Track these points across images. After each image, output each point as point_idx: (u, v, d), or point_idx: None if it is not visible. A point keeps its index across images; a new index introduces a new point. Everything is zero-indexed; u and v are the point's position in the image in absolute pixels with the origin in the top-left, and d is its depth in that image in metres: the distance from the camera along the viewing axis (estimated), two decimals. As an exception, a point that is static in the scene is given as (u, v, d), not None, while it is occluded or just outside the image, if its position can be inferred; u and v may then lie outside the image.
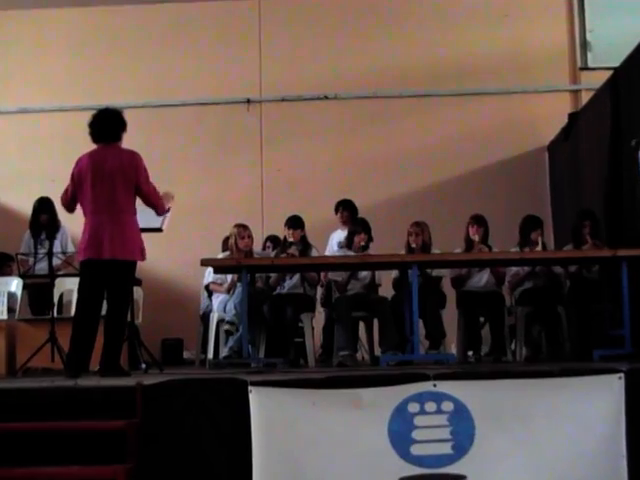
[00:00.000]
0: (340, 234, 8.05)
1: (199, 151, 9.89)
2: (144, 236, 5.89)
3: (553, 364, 5.45)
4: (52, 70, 10.03)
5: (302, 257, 6.98)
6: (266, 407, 4.17)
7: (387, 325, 6.72)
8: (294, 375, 4.88)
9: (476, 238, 7.05)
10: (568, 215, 8.37)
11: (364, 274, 7.11)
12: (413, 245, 7.11)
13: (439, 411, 4.17)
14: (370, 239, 7.18)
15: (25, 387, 4.54)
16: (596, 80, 8.36)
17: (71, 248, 7.44)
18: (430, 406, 4.18)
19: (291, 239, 7.17)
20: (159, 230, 6.54)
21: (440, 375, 4.29)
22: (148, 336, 7.35)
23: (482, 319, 7.19)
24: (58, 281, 7.00)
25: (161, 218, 6.50)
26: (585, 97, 9.22)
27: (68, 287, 7.28)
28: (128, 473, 4.07)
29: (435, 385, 4.21)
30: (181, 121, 9.96)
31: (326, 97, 9.96)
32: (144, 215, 5.94)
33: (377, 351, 6.96)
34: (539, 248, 6.97)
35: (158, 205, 5.84)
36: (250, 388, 4.20)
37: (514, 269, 7.10)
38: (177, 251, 9.32)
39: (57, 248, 7.25)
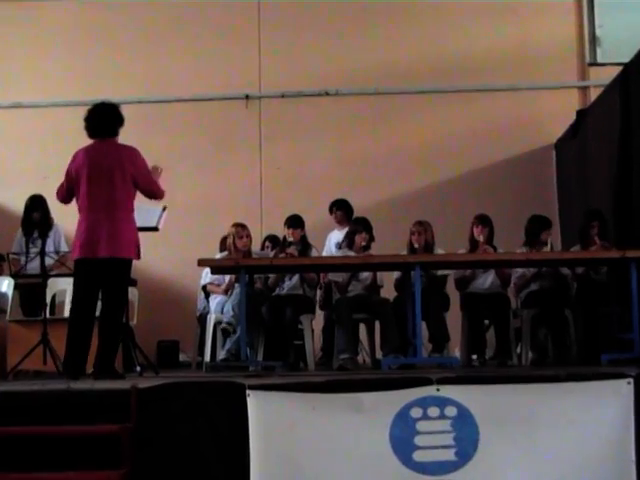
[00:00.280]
0: (337, 234, 8.06)
1: (196, 148, 9.88)
2: (140, 235, 5.89)
3: (560, 368, 5.44)
4: (46, 64, 10.03)
5: (302, 257, 6.98)
6: (264, 412, 4.17)
7: (389, 327, 6.72)
8: (293, 379, 4.87)
9: (481, 238, 7.05)
10: (575, 215, 8.36)
11: (365, 275, 7.10)
12: (416, 245, 7.11)
13: (442, 416, 4.17)
14: (372, 239, 7.18)
15: (16, 390, 4.53)
16: (605, 76, 8.37)
17: (64, 247, 7.44)
18: (433, 411, 4.18)
19: (291, 239, 7.17)
20: (155, 229, 6.55)
21: (443, 379, 4.29)
22: (143, 338, 7.35)
23: (487, 322, 7.19)
24: (51, 281, 6.98)
25: (157, 217, 6.51)
26: (594, 93, 9.22)
27: (61, 287, 7.28)
28: (122, 478, 4.07)
29: (438, 390, 4.21)
30: (178, 117, 9.95)
31: (327, 93, 9.96)
32: (140, 214, 5.95)
33: (379, 354, 6.96)
34: (547, 249, 6.97)
35: (158, 193, 5.86)
36: (248, 392, 4.19)
37: (520, 270, 7.09)
38: (174, 251, 9.32)
39: (50, 247, 7.24)
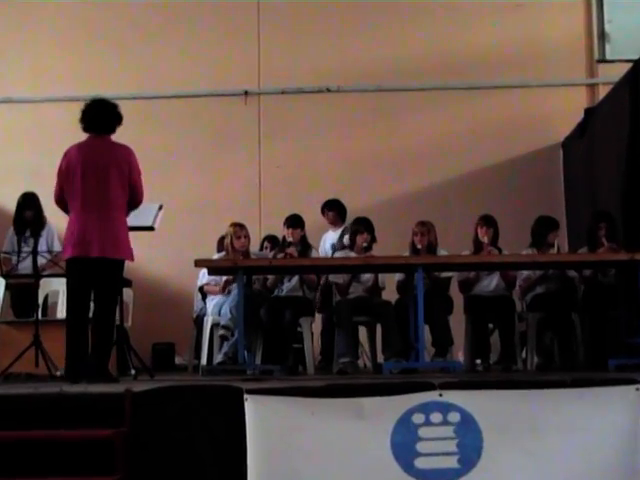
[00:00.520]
0: (332, 235, 8.08)
1: (193, 146, 9.88)
2: (135, 235, 5.89)
3: (566, 374, 5.45)
4: (38, 58, 10.03)
5: (301, 258, 6.98)
6: (262, 417, 4.17)
7: (391, 331, 6.73)
8: (292, 383, 4.88)
9: (485, 240, 7.05)
10: (583, 216, 8.36)
11: (367, 276, 7.11)
12: (418, 246, 7.11)
13: (445, 422, 4.17)
14: (373, 239, 7.18)
15: (7, 394, 4.53)
16: (614, 73, 8.36)
17: (57, 247, 7.43)
18: (435, 417, 4.18)
19: (290, 239, 7.16)
20: (151, 228, 6.55)
21: (446, 384, 4.29)
22: (138, 340, 7.35)
23: (491, 325, 7.19)
24: (43, 281, 6.99)
25: (153, 216, 6.51)
26: (602, 91, 9.21)
27: (54, 288, 7.28)
28: (116, 485, 4.07)
29: (441, 395, 4.21)
30: (174, 114, 9.94)
31: (328, 90, 9.96)
32: (135, 213, 5.95)
33: (380, 358, 6.96)
34: (553, 251, 6.97)
35: (140, 199, 5.83)
36: (246, 396, 4.19)
37: (525, 273, 7.10)
38: (170, 251, 9.33)
39: (42, 246, 7.24)
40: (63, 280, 5.98)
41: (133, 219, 5.92)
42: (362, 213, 7.80)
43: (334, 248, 7.80)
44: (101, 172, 5.60)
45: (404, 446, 4.14)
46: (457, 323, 7.09)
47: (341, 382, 4.85)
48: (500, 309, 6.93)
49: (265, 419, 4.17)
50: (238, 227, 7.24)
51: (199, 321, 7.72)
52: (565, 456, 4.16)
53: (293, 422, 4.18)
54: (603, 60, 9.83)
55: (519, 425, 4.19)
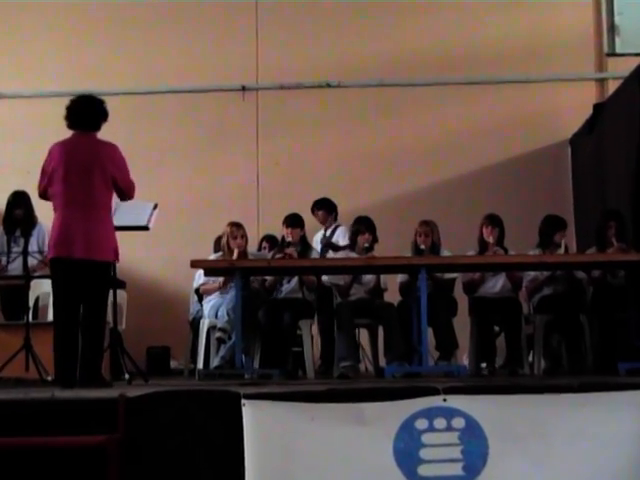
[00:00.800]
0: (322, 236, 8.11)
1: (189, 143, 9.89)
2: (129, 235, 5.89)
3: (574, 378, 5.45)
4: (32, 53, 10.03)
5: (301, 259, 6.98)
6: (261, 422, 4.17)
7: (393, 333, 6.73)
8: (291, 387, 4.88)
9: (491, 240, 7.06)
10: (592, 215, 8.37)
11: (368, 278, 7.11)
12: (422, 246, 7.11)
13: (449, 428, 4.17)
14: (375, 240, 7.18)
15: (-3, 398, 4.54)
16: (624, 67, 8.36)
17: (49, 247, 7.44)
18: (439, 423, 4.18)
19: (289, 239, 7.17)
20: (146, 228, 6.55)
21: (451, 389, 4.29)
22: (132, 344, 7.35)
23: (497, 328, 7.20)
24: (34, 283, 6.99)
25: (147, 216, 6.51)
26: (612, 86, 9.23)
27: (45, 290, 7.27)
28: (109, 493, 4.07)
29: (445, 400, 4.21)
30: (169, 110, 9.95)
31: (328, 85, 9.96)
32: (129, 212, 5.95)
33: (382, 362, 6.97)
34: (561, 251, 6.97)
35: (131, 194, 5.83)
36: (243, 401, 4.19)
37: (532, 274, 7.10)
38: (165, 251, 9.33)
39: (33, 246, 7.24)
40: (55, 282, 5.97)
41: (127, 218, 5.92)
42: (363, 212, 7.81)
43: (323, 244, 7.83)
44: (85, 170, 5.57)
45: (407, 453, 4.13)
46: (462, 325, 7.09)
47: (342, 387, 4.85)
48: (506, 311, 6.93)
49: (263, 425, 4.17)
50: (235, 227, 7.24)
51: (195, 324, 7.71)
52: (573, 463, 4.16)
53: (292, 428, 4.18)
54: (613, 54, 9.83)
55: (526, 431, 4.18)
